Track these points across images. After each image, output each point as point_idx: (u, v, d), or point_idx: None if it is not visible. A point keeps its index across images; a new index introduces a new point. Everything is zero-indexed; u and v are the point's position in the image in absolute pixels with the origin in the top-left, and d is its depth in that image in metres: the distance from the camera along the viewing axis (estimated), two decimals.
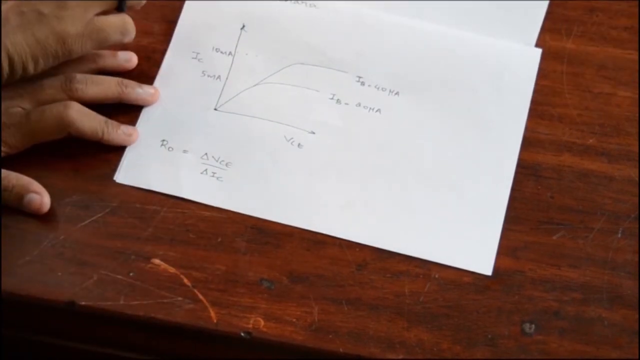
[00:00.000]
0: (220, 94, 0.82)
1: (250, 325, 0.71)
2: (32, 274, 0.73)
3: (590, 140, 0.79)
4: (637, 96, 0.81)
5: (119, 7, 0.79)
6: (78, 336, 0.76)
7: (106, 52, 0.83)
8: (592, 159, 0.78)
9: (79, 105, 0.77)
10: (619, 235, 0.75)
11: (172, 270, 0.74)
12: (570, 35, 0.85)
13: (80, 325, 0.75)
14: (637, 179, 0.77)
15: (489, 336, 0.71)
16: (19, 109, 0.77)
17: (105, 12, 0.79)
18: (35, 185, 0.76)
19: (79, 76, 0.79)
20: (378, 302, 0.72)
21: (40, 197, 0.76)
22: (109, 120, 0.78)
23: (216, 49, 0.85)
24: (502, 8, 0.86)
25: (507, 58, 0.84)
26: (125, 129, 0.79)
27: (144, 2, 0.81)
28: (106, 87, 0.80)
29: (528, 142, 0.79)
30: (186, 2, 0.87)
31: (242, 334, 0.71)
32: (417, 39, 0.85)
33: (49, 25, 0.76)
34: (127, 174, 0.78)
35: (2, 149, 0.76)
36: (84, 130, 0.77)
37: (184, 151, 0.80)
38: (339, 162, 0.79)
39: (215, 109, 0.82)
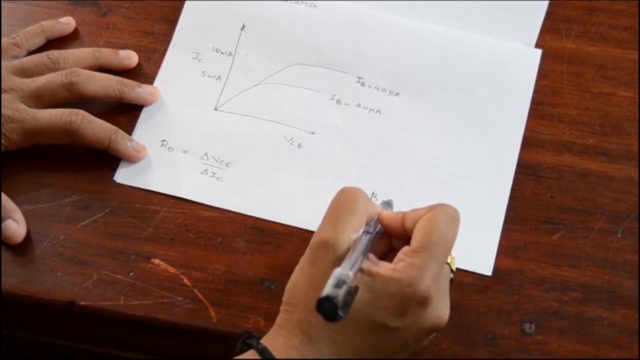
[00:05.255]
0: (220, 94, 0.82)
1: (250, 325, 0.71)
2: (32, 274, 0.73)
3: (590, 140, 0.79)
4: (637, 96, 0.81)
5: None
6: (78, 336, 0.76)
7: (107, 50, 0.83)
8: (592, 159, 0.78)
9: (87, 114, 0.77)
10: (619, 235, 0.75)
11: (172, 270, 0.74)
12: (570, 35, 0.85)
13: (80, 325, 0.75)
14: (637, 179, 0.77)
15: (489, 336, 0.71)
16: (24, 105, 0.77)
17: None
18: (19, 214, 0.75)
19: (79, 71, 0.79)
20: None
21: (17, 226, 0.75)
22: (120, 131, 0.78)
23: (216, 49, 0.85)
24: (502, 8, 0.86)
25: (507, 58, 0.84)
26: (135, 145, 0.78)
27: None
28: (107, 84, 0.80)
29: (528, 142, 0.79)
30: (186, 2, 0.87)
31: (243, 334, 0.71)
32: (417, 39, 0.85)
33: None
34: (127, 174, 0.78)
35: (2, 142, 0.76)
36: (89, 140, 0.77)
37: (184, 151, 0.80)
38: (339, 162, 0.79)
39: (216, 109, 0.82)
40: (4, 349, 0.79)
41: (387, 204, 0.72)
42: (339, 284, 0.59)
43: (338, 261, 0.63)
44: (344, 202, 0.66)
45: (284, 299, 0.65)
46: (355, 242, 0.64)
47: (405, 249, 0.64)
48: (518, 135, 0.80)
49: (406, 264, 0.63)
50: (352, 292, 0.59)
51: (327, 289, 0.58)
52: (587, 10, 0.86)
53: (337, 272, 0.60)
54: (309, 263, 0.65)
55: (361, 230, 0.66)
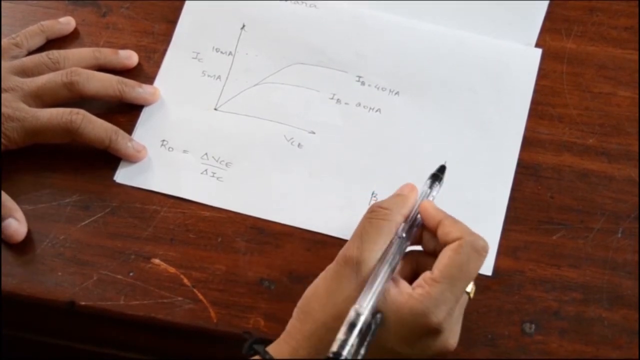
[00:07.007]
0: (220, 94, 0.82)
1: (250, 325, 0.71)
2: (32, 274, 0.73)
3: (590, 140, 0.79)
4: (637, 96, 0.81)
5: None
6: (78, 336, 0.76)
7: (107, 50, 0.83)
8: (592, 159, 0.78)
9: (87, 113, 0.77)
10: (619, 235, 0.75)
11: (172, 270, 0.74)
12: (570, 35, 0.85)
13: (80, 325, 0.75)
14: (637, 179, 0.77)
15: (489, 336, 0.71)
16: (24, 105, 0.77)
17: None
18: (20, 213, 0.75)
19: (80, 71, 0.79)
20: None
21: (18, 225, 0.75)
22: (120, 131, 0.78)
23: (216, 49, 0.85)
24: (502, 8, 0.86)
25: (507, 58, 0.84)
26: (136, 144, 0.78)
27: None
28: (107, 84, 0.80)
29: (528, 142, 0.79)
30: (186, 2, 0.87)
31: (242, 334, 0.71)
32: (417, 39, 0.85)
33: None
34: (127, 174, 0.78)
35: (2, 141, 0.76)
36: (90, 139, 0.77)
37: (184, 151, 0.80)
38: (339, 162, 0.79)
39: (216, 109, 0.82)
40: (4, 349, 0.79)
41: (435, 178, 0.71)
42: (351, 328, 0.60)
43: (360, 279, 0.63)
44: (373, 220, 0.66)
45: (299, 304, 0.66)
46: (380, 261, 0.65)
47: (426, 274, 0.64)
48: (518, 135, 0.80)
49: (424, 292, 0.63)
50: (370, 327, 0.60)
51: (339, 336, 0.60)
52: (587, 10, 0.86)
53: (350, 314, 0.61)
54: (332, 276, 0.65)
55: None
